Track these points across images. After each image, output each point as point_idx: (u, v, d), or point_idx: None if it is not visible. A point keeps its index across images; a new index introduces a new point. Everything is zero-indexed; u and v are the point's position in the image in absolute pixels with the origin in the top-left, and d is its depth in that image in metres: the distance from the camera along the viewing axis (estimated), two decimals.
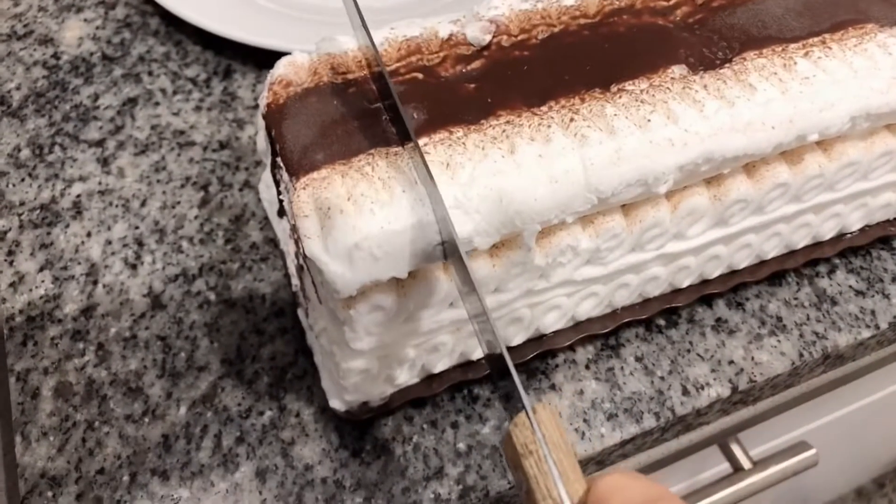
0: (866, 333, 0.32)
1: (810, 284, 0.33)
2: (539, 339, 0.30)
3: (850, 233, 0.34)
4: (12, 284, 0.31)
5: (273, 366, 0.30)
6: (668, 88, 0.27)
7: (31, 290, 0.31)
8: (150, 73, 0.39)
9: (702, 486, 0.42)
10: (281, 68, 0.26)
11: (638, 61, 0.28)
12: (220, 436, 0.28)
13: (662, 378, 0.30)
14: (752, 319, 0.32)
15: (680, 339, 0.31)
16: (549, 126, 0.25)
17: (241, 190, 0.35)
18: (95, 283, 0.32)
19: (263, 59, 0.40)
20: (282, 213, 0.28)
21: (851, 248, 0.34)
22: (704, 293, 0.32)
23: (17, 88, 0.38)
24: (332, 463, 0.27)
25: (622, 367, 0.30)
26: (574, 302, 0.29)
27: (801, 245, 0.33)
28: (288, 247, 0.30)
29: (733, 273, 0.32)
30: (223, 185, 0.35)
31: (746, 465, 0.48)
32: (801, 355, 0.31)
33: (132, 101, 0.38)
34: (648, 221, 0.27)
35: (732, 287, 0.32)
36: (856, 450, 1.05)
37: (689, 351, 0.31)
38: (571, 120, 0.25)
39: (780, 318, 0.32)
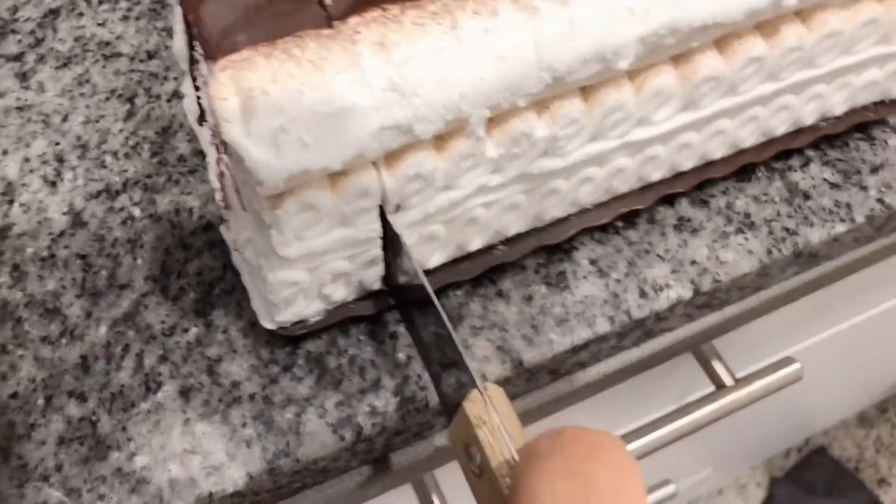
0: (841, 228, 0.30)
1: (782, 179, 0.31)
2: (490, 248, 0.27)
3: (829, 119, 0.31)
4: None
5: (200, 281, 0.28)
6: None
7: None
8: None
9: (685, 403, 0.41)
10: None
11: None
12: (142, 355, 0.26)
13: (618, 281, 0.28)
14: (717, 217, 0.30)
15: (638, 240, 0.29)
16: None
17: (168, 101, 0.32)
18: (11, 202, 0.30)
19: None
20: (202, 119, 0.25)
21: (827, 139, 0.31)
22: (670, 192, 0.29)
23: None
24: (262, 379, 0.26)
25: (574, 271, 0.28)
26: (534, 201, 0.26)
27: (780, 132, 0.30)
28: (209, 156, 0.28)
29: (704, 167, 0.30)
30: (150, 96, 0.32)
31: (729, 381, 0.46)
32: (769, 252, 0.29)
33: (54, 13, 0.35)
34: (610, 104, 0.25)
35: (698, 184, 0.30)
36: (851, 371, 1.04)
37: (647, 252, 0.29)
38: None
39: (748, 215, 0.30)
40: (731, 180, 0.30)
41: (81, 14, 0.35)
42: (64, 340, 0.26)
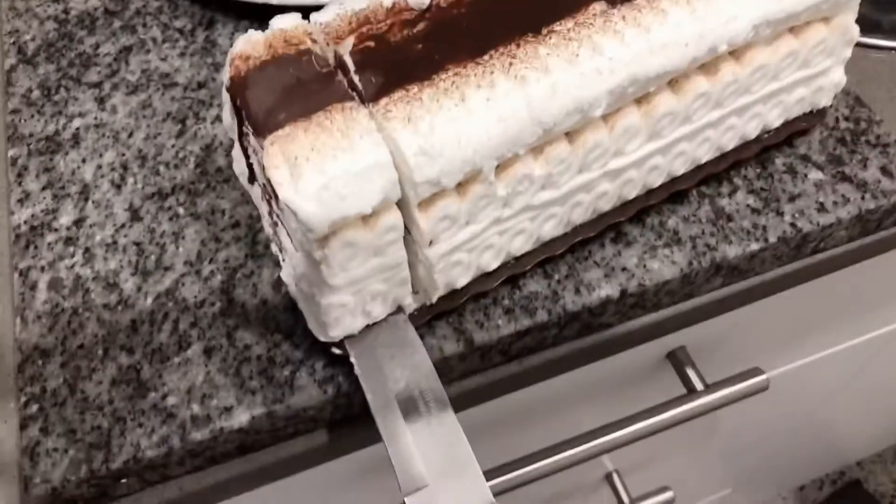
0: (755, 246, 0.35)
1: (710, 203, 0.36)
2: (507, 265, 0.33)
3: (770, 131, 0.37)
4: (20, 200, 0.38)
5: (226, 267, 0.35)
6: (590, 24, 0.30)
7: (34, 205, 0.37)
8: (144, 25, 0.45)
9: (654, 405, 0.46)
10: (240, 45, 0.30)
11: (562, 3, 0.31)
12: (178, 321, 0.34)
13: (559, 281, 0.34)
14: (650, 233, 0.36)
15: (579, 249, 0.35)
16: (493, 73, 0.29)
17: (212, 123, 0.40)
18: (87, 199, 0.37)
19: (242, 11, 0.45)
20: (252, 178, 0.31)
21: (757, 167, 0.37)
22: (645, 206, 0.35)
23: (32, 40, 0.44)
24: (267, 343, 0.33)
25: (523, 273, 0.34)
26: (537, 225, 0.33)
27: (730, 147, 0.36)
28: (262, 209, 0.33)
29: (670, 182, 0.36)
30: (198, 119, 0.40)
31: (699, 386, 0.51)
32: (690, 264, 0.35)
33: (127, 49, 0.43)
34: (590, 144, 0.31)
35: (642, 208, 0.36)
36: (883, 400, 1.06)
37: (586, 259, 0.35)
38: (511, 64, 0.29)
39: (676, 232, 0.36)
40: (666, 202, 0.36)
41: (149, 51, 0.43)
42: (120, 308, 0.34)
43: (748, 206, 0.36)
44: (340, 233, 0.27)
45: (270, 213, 0.31)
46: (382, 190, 0.27)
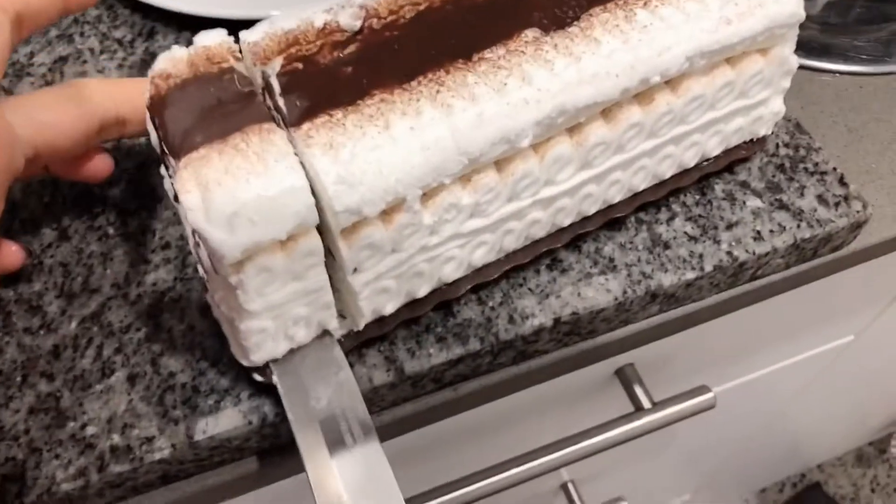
0: (691, 275, 0.35)
1: (648, 230, 0.36)
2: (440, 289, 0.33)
3: (709, 159, 0.37)
4: None
5: (154, 290, 0.34)
6: (522, 52, 0.30)
7: None
8: (81, 34, 0.43)
9: (602, 422, 0.46)
10: (161, 62, 0.29)
11: (496, 29, 0.31)
12: (102, 347, 0.33)
13: (493, 308, 0.34)
14: (585, 259, 0.35)
15: (515, 275, 0.35)
16: (419, 100, 0.28)
17: (146, 140, 0.39)
18: (14, 217, 0.36)
19: (183, 22, 0.44)
20: (176, 197, 0.30)
21: (697, 194, 0.37)
22: (582, 232, 0.35)
23: None
24: (192, 371, 0.32)
25: (458, 299, 0.34)
26: (467, 252, 0.32)
27: (668, 175, 0.36)
28: (186, 229, 0.32)
29: (606, 209, 0.35)
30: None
31: (647, 404, 0.51)
32: (625, 292, 0.34)
33: (63, 60, 0.42)
34: (519, 173, 0.30)
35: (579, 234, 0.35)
36: (844, 405, 1.07)
37: (521, 285, 0.34)
38: (438, 92, 0.28)
39: (612, 259, 0.35)
40: (603, 229, 0.36)
41: (85, 62, 0.42)
42: (42, 332, 0.33)
43: (685, 233, 0.36)
44: (255, 258, 0.26)
45: (193, 233, 0.30)
46: (297, 215, 0.26)
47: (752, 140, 0.37)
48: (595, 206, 0.34)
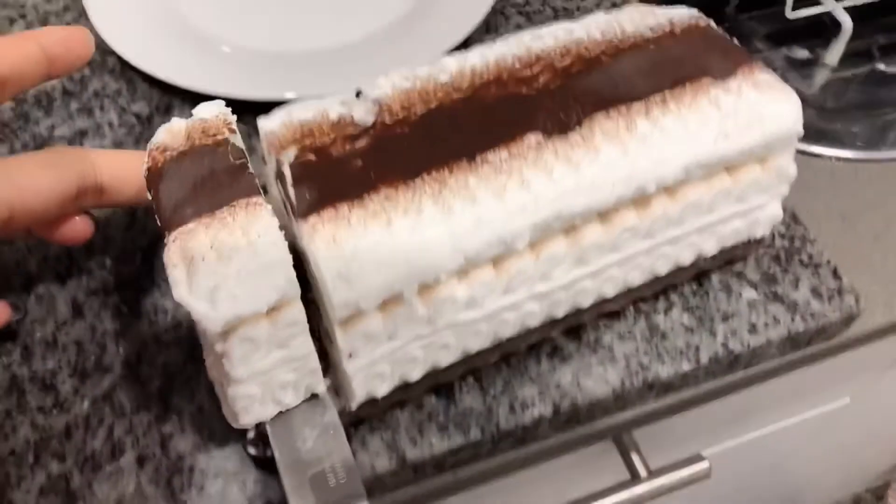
0: (687, 367, 0.36)
1: (646, 320, 0.37)
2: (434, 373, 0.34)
3: (705, 258, 0.38)
4: None
5: (165, 371, 0.35)
6: (524, 157, 0.31)
7: None
8: (101, 108, 0.45)
9: (596, 490, 0.47)
10: (160, 135, 0.30)
11: (501, 131, 0.32)
12: (113, 427, 0.34)
13: (494, 397, 0.35)
14: (585, 349, 0.36)
15: (516, 364, 0.36)
16: (421, 199, 0.29)
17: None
18: (29, 293, 0.38)
19: (200, 98, 0.45)
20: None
21: (696, 284, 0.38)
22: (576, 323, 0.36)
23: None
24: (200, 453, 0.33)
25: (460, 386, 0.35)
26: (462, 339, 0.33)
27: (663, 272, 0.37)
28: None
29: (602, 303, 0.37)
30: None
31: (643, 473, 0.52)
32: (623, 383, 0.35)
33: (83, 133, 0.44)
34: (514, 270, 0.31)
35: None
36: (837, 453, 1.07)
37: (522, 374, 0.35)
38: (440, 192, 0.30)
39: (611, 349, 0.36)
40: (603, 317, 0.37)
41: (104, 135, 0.44)
42: (55, 411, 0.34)
43: (682, 324, 0.37)
44: (239, 329, 0.27)
45: None
46: (278, 289, 0.27)
47: (748, 240, 0.38)
48: (590, 300, 0.35)
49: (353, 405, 0.32)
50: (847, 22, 0.50)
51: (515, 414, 0.34)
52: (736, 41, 0.37)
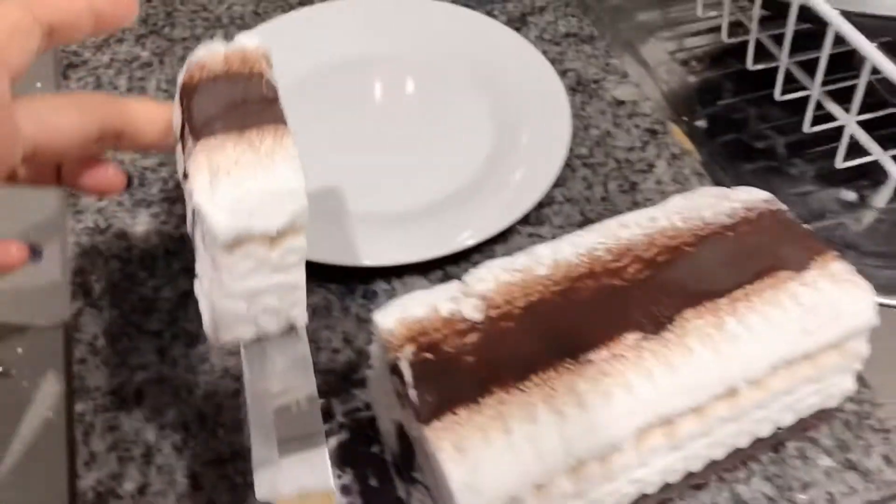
0: None
1: (730, 490, 0.40)
2: None
3: (782, 429, 0.40)
4: (86, 463, 0.40)
5: None
6: (624, 357, 0.34)
7: (100, 468, 0.40)
8: None
9: None
10: (200, 53, 0.33)
11: (599, 327, 0.34)
12: None
13: None
14: None
15: None
16: (535, 405, 0.32)
17: None
18: (149, 463, 0.40)
19: None
20: (185, 175, 0.32)
21: (773, 453, 0.41)
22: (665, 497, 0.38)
23: (97, 281, 0.47)
24: None
25: None
26: None
27: (743, 444, 0.39)
28: (188, 207, 0.32)
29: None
30: None
31: None
32: None
33: (186, 295, 0.47)
34: (618, 465, 0.34)
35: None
36: None
37: None
38: (551, 397, 0.32)
39: None
40: (690, 489, 0.39)
41: None
42: None
43: (763, 493, 0.39)
44: (245, 245, 0.29)
45: (193, 213, 0.31)
46: (291, 213, 0.29)
47: (822, 410, 0.40)
48: (677, 477, 0.38)
49: None
50: (894, 171, 0.53)
51: None
52: (808, 227, 0.39)
